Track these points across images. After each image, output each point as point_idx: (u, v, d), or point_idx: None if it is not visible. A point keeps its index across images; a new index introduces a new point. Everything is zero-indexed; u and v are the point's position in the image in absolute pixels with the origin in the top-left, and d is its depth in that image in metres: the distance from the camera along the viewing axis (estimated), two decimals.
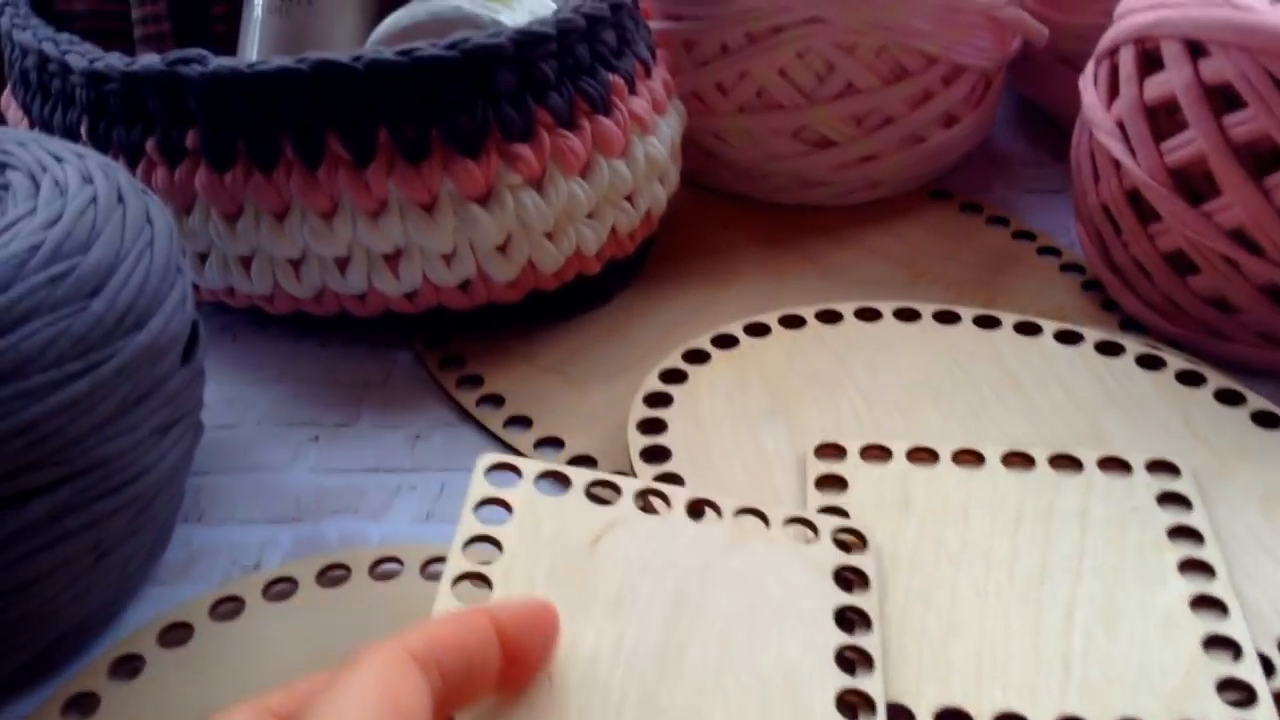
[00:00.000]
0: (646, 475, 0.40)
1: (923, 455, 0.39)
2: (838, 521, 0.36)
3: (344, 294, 0.46)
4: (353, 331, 0.50)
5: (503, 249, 0.45)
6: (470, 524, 0.34)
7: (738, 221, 0.56)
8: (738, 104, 0.54)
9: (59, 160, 0.37)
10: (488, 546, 0.33)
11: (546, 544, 0.33)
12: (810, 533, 0.36)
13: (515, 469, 0.36)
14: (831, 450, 0.40)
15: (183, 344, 0.37)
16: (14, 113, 0.50)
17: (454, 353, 0.49)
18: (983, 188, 0.59)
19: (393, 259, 0.45)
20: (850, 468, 0.39)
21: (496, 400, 0.46)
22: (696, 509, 0.36)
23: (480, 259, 0.45)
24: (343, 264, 0.45)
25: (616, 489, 0.36)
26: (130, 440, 0.34)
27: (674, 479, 0.40)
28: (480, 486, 0.35)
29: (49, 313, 0.32)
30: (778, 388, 0.43)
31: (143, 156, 0.45)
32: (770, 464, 0.40)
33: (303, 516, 0.42)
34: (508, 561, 0.33)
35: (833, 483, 0.39)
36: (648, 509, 0.35)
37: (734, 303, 0.51)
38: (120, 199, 0.36)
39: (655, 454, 0.41)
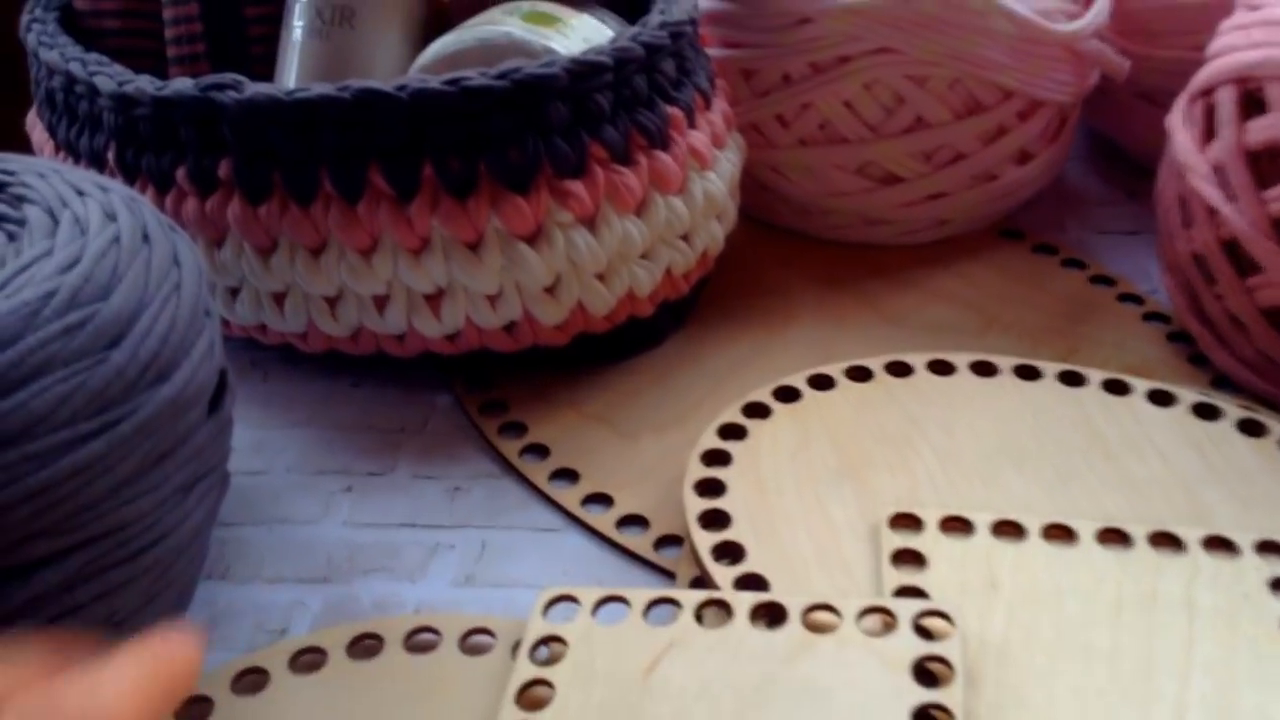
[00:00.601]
0: (705, 543, 0.37)
1: (1009, 529, 0.36)
2: (919, 605, 0.33)
3: (382, 334, 0.43)
4: (388, 371, 0.47)
5: (551, 290, 0.42)
6: (525, 669, 0.32)
7: (795, 260, 0.53)
8: (799, 137, 0.51)
9: (81, 194, 0.34)
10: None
11: (600, 678, 0.32)
12: (888, 622, 0.33)
13: (573, 598, 0.34)
14: (907, 521, 0.37)
15: (209, 394, 0.34)
16: (39, 135, 0.48)
17: (496, 397, 0.46)
18: (1055, 227, 0.56)
19: (434, 299, 0.42)
20: (929, 542, 0.36)
21: (541, 451, 0.43)
22: (762, 613, 0.33)
23: (527, 300, 0.42)
24: (381, 303, 0.42)
25: (678, 604, 0.33)
26: (150, 501, 0.31)
27: (734, 548, 0.37)
28: (538, 626, 0.33)
29: (63, 367, 0.29)
30: (845, 447, 0.40)
31: (173, 186, 0.42)
32: (839, 534, 0.37)
33: (333, 576, 0.39)
34: (560, 703, 0.31)
35: (910, 559, 0.35)
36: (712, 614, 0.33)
37: (792, 348, 0.48)
38: (145, 238, 0.33)
39: (714, 519, 0.38)
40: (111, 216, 0.33)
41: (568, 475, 0.42)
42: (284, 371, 0.48)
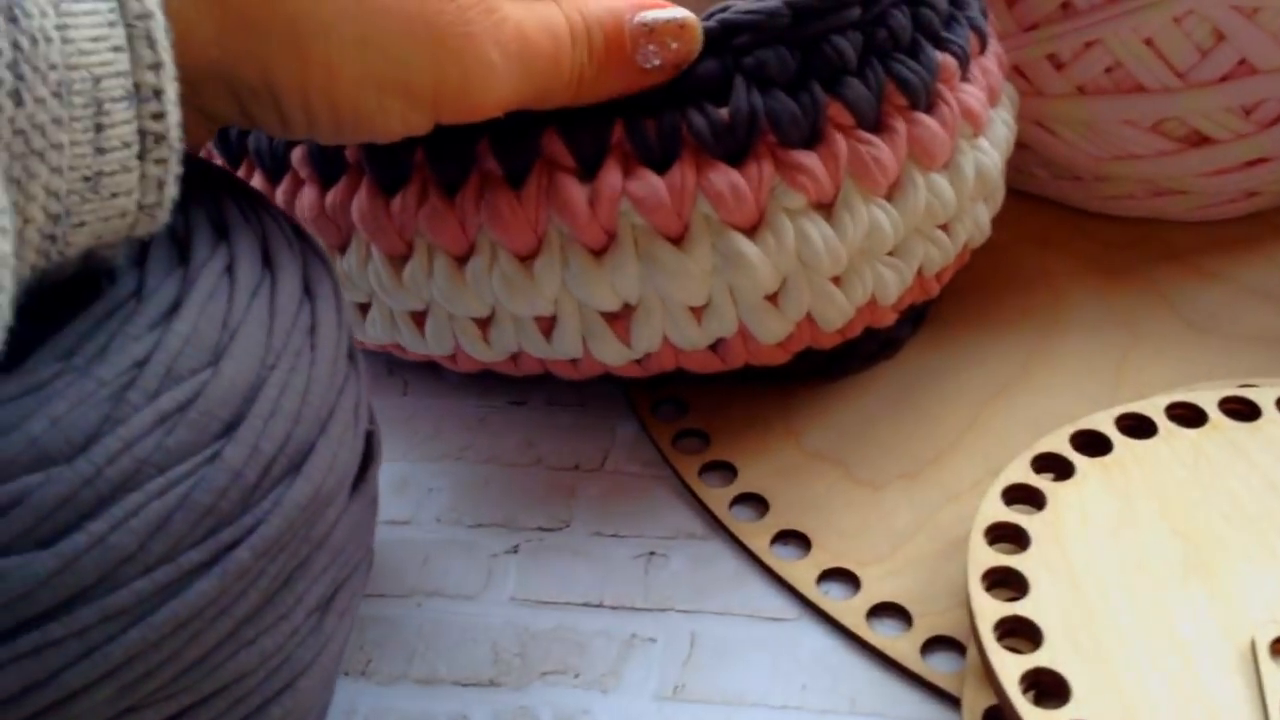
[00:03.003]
0: (1010, 671, 0.27)
1: None
2: None
3: (549, 359, 0.34)
4: (557, 386, 0.38)
5: (774, 298, 0.32)
6: None
7: (1058, 239, 0.42)
8: (1077, 83, 0.40)
9: (180, 200, 0.25)
10: None
11: None
12: None
13: None
14: None
15: (354, 474, 0.25)
16: None
17: (692, 426, 0.36)
18: None
19: (619, 317, 0.32)
20: None
21: (757, 503, 0.34)
22: None
23: (743, 311, 0.32)
24: (548, 325, 0.33)
25: None
26: (277, 639, 0.23)
27: (1050, 680, 0.27)
28: None
29: (157, 474, 0.20)
30: (1185, 527, 0.30)
31: (286, 171, 0.33)
32: (1196, 663, 0.27)
33: (503, 678, 0.30)
34: None
35: None
36: None
37: (1068, 364, 0.37)
38: (267, 262, 0.24)
39: (1014, 629, 0.28)
40: (221, 231, 0.24)
41: (795, 539, 0.33)
42: (429, 384, 0.39)
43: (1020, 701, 0.26)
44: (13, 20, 0.18)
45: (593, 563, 0.33)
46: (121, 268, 0.22)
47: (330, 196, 0.32)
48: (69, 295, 0.22)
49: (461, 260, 0.32)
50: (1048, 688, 0.27)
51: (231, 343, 0.22)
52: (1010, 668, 0.27)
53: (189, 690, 0.21)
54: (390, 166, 0.31)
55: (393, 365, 0.39)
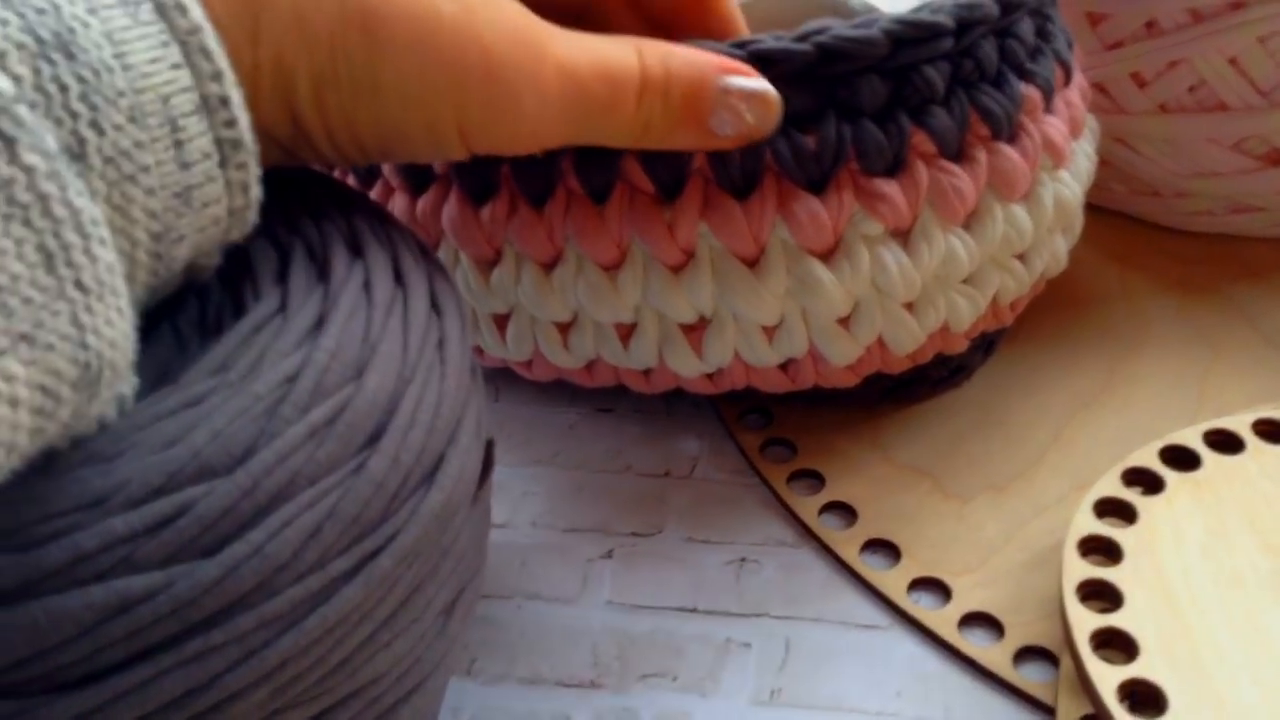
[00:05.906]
0: (1108, 682, 0.28)
1: None
2: None
3: (623, 368, 0.35)
4: (640, 393, 0.39)
5: (845, 321, 0.33)
6: None
7: (1136, 254, 0.43)
8: (1159, 101, 0.40)
9: (315, 215, 0.26)
10: None
11: None
12: None
13: None
14: None
15: (477, 482, 0.26)
16: None
17: (778, 435, 0.37)
18: None
19: (694, 329, 0.33)
20: None
21: (846, 512, 0.35)
22: None
23: (814, 333, 0.33)
24: (626, 332, 0.33)
25: None
26: (408, 642, 0.24)
27: (1148, 692, 0.27)
28: None
29: (309, 486, 0.21)
30: (1276, 542, 0.30)
31: (377, 179, 0.34)
32: None
33: (604, 680, 0.31)
34: None
35: None
36: None
37: (1150, 380, 0.38)
38: (399, 277, 0.25)
39: (1109, 640, 0.29)
40: (356, 249, 0.25)
41: (885, 549, 0.34)
42: (517, 390, 0.40)
43: (1119, 711, 0.27)
44: (71, 58, 0.19)
45: (686, 568, 0.34)
46: (266, 286, 0.24)
47: (421, 204, 0.33)
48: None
49: (548, 267, 0.33)
50: (1143, 698, 0.28)
51: (372, 357, 0.23)
52: (1108, 678, 0.28)
53: (330, 692, 0.22)
54: (479, 179, 0.32)
55: (484, 374, 0.40)
